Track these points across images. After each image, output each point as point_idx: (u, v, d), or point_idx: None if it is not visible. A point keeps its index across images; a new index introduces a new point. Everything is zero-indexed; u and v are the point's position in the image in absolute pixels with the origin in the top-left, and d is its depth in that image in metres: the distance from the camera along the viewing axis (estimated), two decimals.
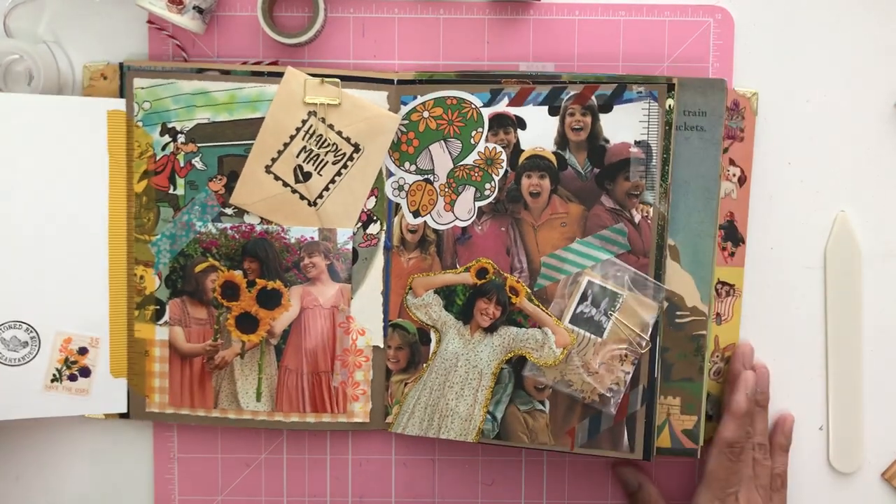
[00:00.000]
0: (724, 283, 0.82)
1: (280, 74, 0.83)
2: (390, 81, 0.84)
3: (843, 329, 0.85)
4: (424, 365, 0.83)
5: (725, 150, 0.81)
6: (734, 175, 0.82)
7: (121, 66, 0.82)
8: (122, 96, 0.82)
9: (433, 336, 0.83)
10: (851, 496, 0.85)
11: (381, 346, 0.84)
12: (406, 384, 0.84)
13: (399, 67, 0.85)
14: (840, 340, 0.85)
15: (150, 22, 0.84)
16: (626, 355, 0.79)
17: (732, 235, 0.82)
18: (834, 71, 0.86)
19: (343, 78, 0.83)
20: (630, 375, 0.79)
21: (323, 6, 0.83)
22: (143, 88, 0.82)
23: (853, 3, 0.86)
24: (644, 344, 0.79)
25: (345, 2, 0.85)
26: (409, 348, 0.84)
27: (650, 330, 0.79)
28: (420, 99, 0.83)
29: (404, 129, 0.84)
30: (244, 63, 0.84)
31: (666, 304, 0.79)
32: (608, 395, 0.79)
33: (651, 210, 0.79)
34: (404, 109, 0.84)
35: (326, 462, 0.86)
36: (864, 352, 0.85)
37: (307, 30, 0.83)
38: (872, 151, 0.86)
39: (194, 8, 0.80)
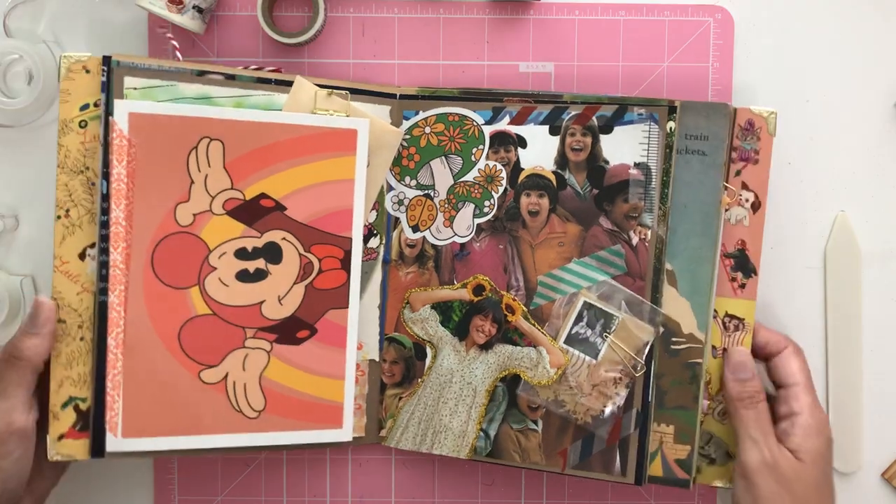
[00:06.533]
0: (732, 317, 0.77)
1: (287, 82, 0.78)
2: (393, 96, 0.80)
3: (843, 329, 0.83)
4: (419, 380, 0.80)
5: (738, 173, 0.77)
6: (747, 200, 0.77)
7: (106, 59, 0.74)
8: (108, 94, 0.75)
9: (429, 351, 0.80)
10: (851, 496, 0.83)
11: (377, 359, 0.80)
12: (400, 398, 0.81)
13: (399, 67, 0.83)
14: (840, 340, 0.83)
15: (163, 26, 0.80)
16: (620, 378, 0.75)
17: (743, 266, 0.77)
18: (834, 71, 0.83)
19: (347, 90, 0.79)
20: (624, 398, 0.75)
21: (323, 6, 0.81)
22: (135, 89, 0.76)
23: (853, 3, 0.83)
24: (639, 367, 0.75)
25: (345, 2, 0.83)
26: (405, 363, 0.81)
27: (645, 353, 0.74)
28: (422, 114, 0.80)
29: (406, 144, 0.81)
30: (245, 67, 0.79)
31: (662, 329, 0.74)
32: (601, 417, 0.75)
33: (649, 233, 0.75)
34: (406, 124, 0.80)
35: (326, 462, 0.85)
36: (864, 352, 0.83)
37: (307, 30, 0.81)
38: (872, 151, 0.84)
39: (194, 7, 0.78)
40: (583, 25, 0.82)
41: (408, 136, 0.81)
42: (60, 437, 0.75)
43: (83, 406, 0.75)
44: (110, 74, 0.75)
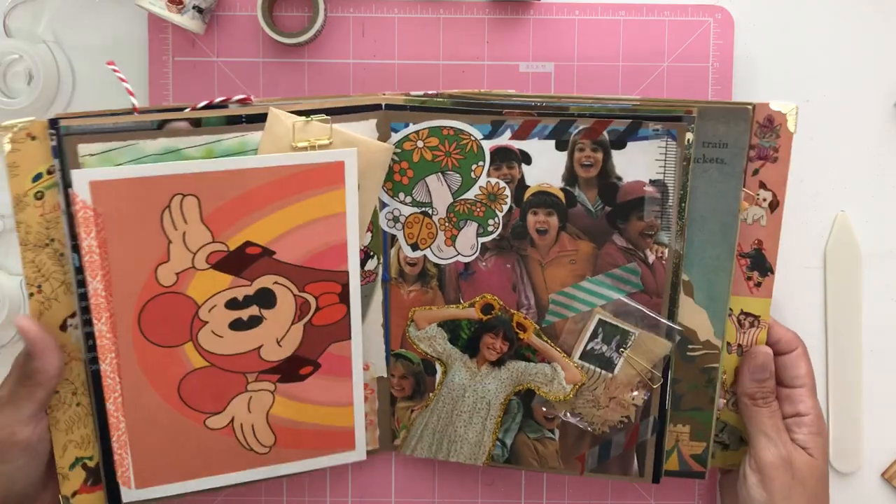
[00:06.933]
0: (747, 314, 0.72)
1: (260, 117, 0.66)
2: (378, 107, 0.68)
3: (843, 329, 0.78)
4: (431, 394, 0.74)
5: (756, 172, 0.69)
6: (764, 200, 0.70)
7: (53, 122, 0.62)
8: (62, 161, 0.63)
9: (438, 367, 0.73)
10: (851, 496, 0.80)
11: (385, 375, 0.74)
12: (412, 410, 0.74)
13: (399, 67, 0.75)
14: (840, 340, 0.79)
15: (110, 63, 0.69)
16: (637, 390, 0.70)
17: (760, 265, 0.71)
18: (834, 71, 0.77)
19: (326, 111, 0.68)
20: (641, 409, 0.70)
21: (323, 6, 0.73)
22: (92, 155, 0.63)
23: (853, 3, 0.76)
24: (656, 379, 0.70)
25: (345, 2, 0.75)
26: (414, 377, 0.74)
27: (662, 366, 0.69)
28: (413, 127, 0.69)
29: (396, 158, 0.70)
30: (207, 105, 0.66)
31: (678, 338, 0.68)
32: (619, 427, 0.71)
33: (666, 251, 0.67)
34: (395, 137, 0.69)
35: None
36: (864, 352, 0.79)
37: (307, 30, 0.73)
38: (872, 151, 0.78)
39: (194, 8, 0.71)
40: (583, 25, 0.75)
41: (398, 150, 0.70)
42: (74, 494, 0.68)
43: (90, 464, 0.68)
44: (60, 139, 0.62)
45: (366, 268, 0.72)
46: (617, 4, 0.74)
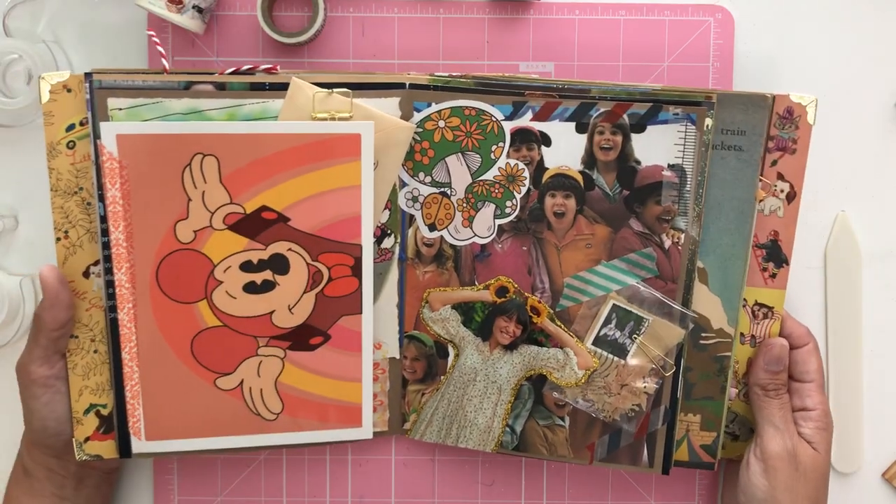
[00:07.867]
0: (762, 305, 0.67)
1: (282, 85, 0.62)
2: (402, 86, 0.64)
3: (843, 329, 0.73)
4: (442, 378, 0.68)
5: (774, 163, 0.66)
6: (782, 191, 0.66)
7: (87, 76, 0.61)
8: (93, 117, 0.61)
9: (451, 350, 0.68)
10: (851, 496, 0.75)
11: (398, 357, 0.68)
12: (423, 394, 0.69)
13: (399, 67, 0.71)
14: (840, 340, 0.74)
15: (150, 31, 0.66)
16: (649, 378, 0.65)
17: (775, 256, 0.67)
18: (834, 71, 0.73)
19: (350, 86, 0.65)
20: (652, 397, 0.65)
21: (323, 6, 0.68)
22: (120, 109, 0.61)
23: (853, 3, 0.73)
24: (668, 367, 0.64)
25: (345, 2, 0.70)
26: (426, 360, 0.69)
27: (674, 354, 0.64)
28: (435, 107, 0.65)
29: (418, 138, 0.66)
30: (237, 69, 0.62)
31: (692, 326, 0.64)
32: (629, 415, 0.65)
33: (682, 236, 0.63)
34: (418, 116, 0.65)
35: (326, 462, 0.73)
36: (864, 352, 0.74)
37: (307, 29, 0.68)
38: (872, 151, 0.73)
39: (194, 7, 0.66)
40: (583, 25, 0.71)
41: (420, 130, 0.66)
42: (86, 440, 0.65)
43: (104, 412, 0.66)
44: (93, 92, 0.61)
45: (382, 245, 0.68)
46: (617, 4, 0.70)
